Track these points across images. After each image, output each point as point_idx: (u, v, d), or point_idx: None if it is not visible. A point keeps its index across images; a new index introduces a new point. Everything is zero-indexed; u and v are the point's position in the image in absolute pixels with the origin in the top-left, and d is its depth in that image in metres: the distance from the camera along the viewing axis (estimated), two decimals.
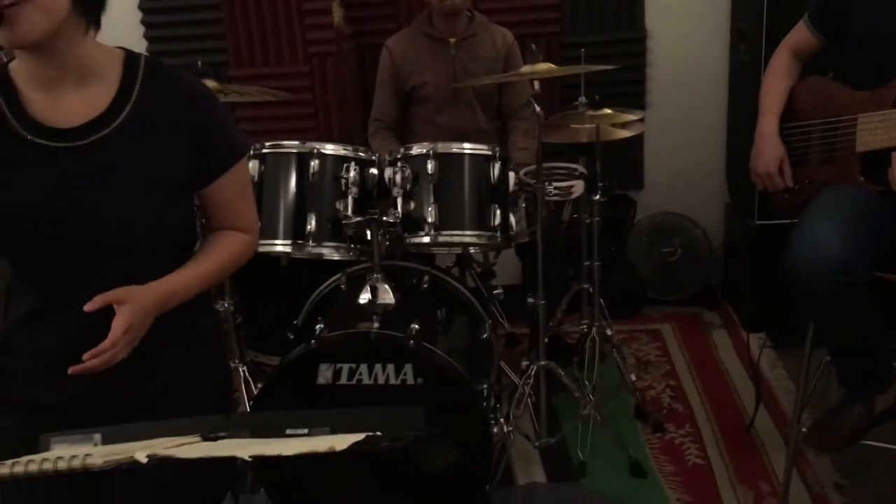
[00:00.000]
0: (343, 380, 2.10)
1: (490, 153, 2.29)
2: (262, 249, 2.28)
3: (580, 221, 2.75)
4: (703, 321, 3.46)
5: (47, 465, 0.78)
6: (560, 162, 2.65)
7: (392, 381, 2.09)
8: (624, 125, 2.52)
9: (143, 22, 3.45)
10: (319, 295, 2.48)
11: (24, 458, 0.80)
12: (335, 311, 2.33)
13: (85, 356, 1.19)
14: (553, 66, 2.31)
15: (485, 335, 2.45)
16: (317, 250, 2.26)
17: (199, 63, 2.40)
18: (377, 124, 3.13)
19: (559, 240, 2.79)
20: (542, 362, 2.48)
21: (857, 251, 1.92)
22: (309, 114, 3.39)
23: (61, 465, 0.79)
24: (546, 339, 2.74)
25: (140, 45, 3.44)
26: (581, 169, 2.52)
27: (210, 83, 2.28)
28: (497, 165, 2.29)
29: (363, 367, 2.09)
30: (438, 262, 2.83)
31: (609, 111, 2.44)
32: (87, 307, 1.20)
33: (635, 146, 3.60)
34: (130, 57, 1.32)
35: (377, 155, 2.34)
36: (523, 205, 2.45)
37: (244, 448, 0.89)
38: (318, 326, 2.17)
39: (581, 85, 2.63)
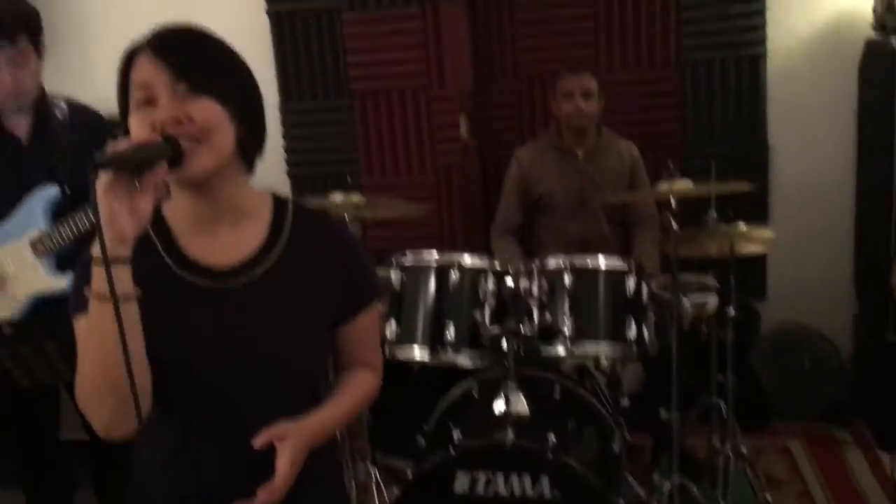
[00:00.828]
0: (480, 490, 2.12)
1: (626, 268, 2.33)
2: (400, 355, 2.38)
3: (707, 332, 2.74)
4: (835, 438, 3.33)
5: None
6: (689, 273, 2.66)
7: (529, 493, 2.11)
8: (755, 240, 2.52)
9: (284, 136, 3.69)
10: (449, 400, 2.54)
11: None
12: (469, 419, 2.37)
13: (259, 492, 1.20)
14: (689, 183, 2.36)
15: (615, 447, 2.44)
16: (453, 358, 2.32)
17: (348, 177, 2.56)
18: (500, 229, 3.24)
19: (687, 352, 2.78)
20: (677, 479, 2.43)
21: None
22: (435, 221, 3.53)
23: None
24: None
25: (279, 155, 3.68)
26: (714, 283, 2.53)
27: (356, 198, 2.44)
28: (633, 279, 2.33)
29: (500, 477, 2.11)
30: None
31: (743, 227, 2.45)
32: (257, 443, 1.22)
33: (757, 256, 3.58)
34: (279, 200, 1.37)
35: (512, 267, 2.41)
36: (653, 316, 2.48)
37: None
38: (455, 434, 2.22)
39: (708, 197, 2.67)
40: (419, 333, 2.35)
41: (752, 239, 2.51)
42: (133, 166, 1.08)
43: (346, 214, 2.52)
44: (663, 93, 3.52)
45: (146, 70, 1.20)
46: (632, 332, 2.30)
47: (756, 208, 3.54)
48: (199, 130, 1.17)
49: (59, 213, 2.24)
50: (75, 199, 2.26)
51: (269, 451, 1.24)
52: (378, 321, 1.49)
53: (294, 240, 1.33)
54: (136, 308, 1.13)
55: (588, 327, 2.31)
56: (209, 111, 1.18)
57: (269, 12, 3.56)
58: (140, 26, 3.85)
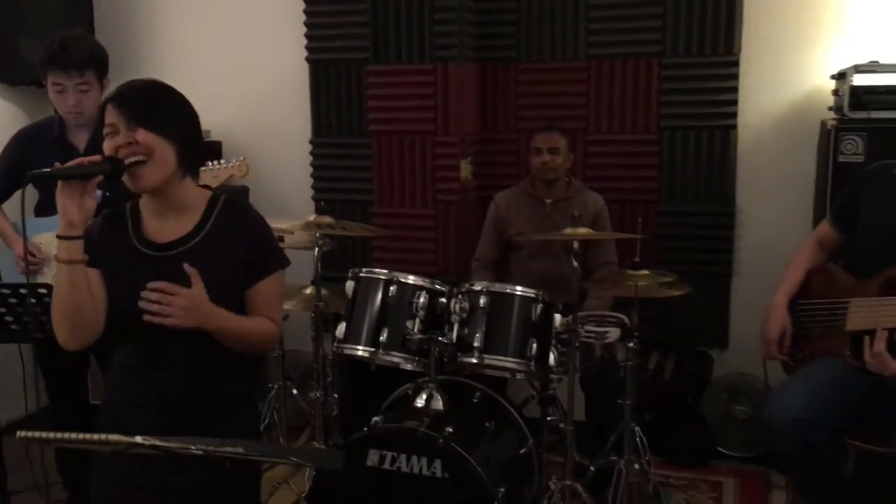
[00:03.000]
0: (387, 465, 2.59)
1: (534, 296, 2.77)
2: (347, 352, 2.88)
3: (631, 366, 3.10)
4: (769, 482, 3.59)
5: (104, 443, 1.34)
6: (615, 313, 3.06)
7: (425, 472, 2.55)
8: (665, 285, 2.91)
9: (312, 165, 4.28)
10: (393, 397, 3.02)
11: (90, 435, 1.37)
12: (395, 410, 2.85)
13: (158, 285, 1.69)
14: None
15: (523, 451, 2.86)
16: (388, 358, 2.81)
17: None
18: (478, 263, 3.70)
19: (609, 379, 3.16)
20: (567, 482, 2.82)
21: (820, 414, 2.19)
22: (430, 249, 4.03)
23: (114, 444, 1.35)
24: (592, 469, 3.11)
25: (307, 181, 4.27)
26: (621, 317, 2.92)
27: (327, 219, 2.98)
28: (539, 307, 2.76)
29: (402, 457, 2.57)
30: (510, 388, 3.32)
31: (646, 272, 2.85)
32: (187, 268, 1.71)
33: (721, 309, 3.90)
34: (214, 197, 1.91)
35: (448, 287, 2.88)
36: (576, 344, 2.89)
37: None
38: (375, 419, 2.70)
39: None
40: (363, 335, 2.85)
41: (659, 283, 2.89)
42: (72, 177, 1.66)
43: (316, 231, 3.06)
44: (645, 153, 3.92)
45: (110, 114, 1.78)
46: (532, 351, 2.73)
47: (721, 263, 3.89)
48: (144, 150, 1.73)
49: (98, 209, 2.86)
50: (115, 199, 2.88)
51: (190, 371, 1.82)
52: (279, 288, 1.95)
53: (216, 224, 1.87)
54: (83, 268, 1.71)
55: (497, 343, 2.75)
56: (148, 137, 1.75)
57: (307, 59, 4.18)
58: (202, 64, 4.75)
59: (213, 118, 4.29)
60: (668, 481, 3.53)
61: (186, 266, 1.74)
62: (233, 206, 1.93)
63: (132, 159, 1.73)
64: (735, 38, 3.71)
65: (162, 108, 1.81)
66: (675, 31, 3.79)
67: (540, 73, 4.00)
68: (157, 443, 1.36)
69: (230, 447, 1.37)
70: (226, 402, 1.92)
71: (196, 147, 1.90)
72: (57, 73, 2.80)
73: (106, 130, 1.77)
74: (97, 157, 1.72)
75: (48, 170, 1.66)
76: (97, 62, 2.87)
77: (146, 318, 1.71)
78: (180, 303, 1.70)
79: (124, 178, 1.77)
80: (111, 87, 2.86)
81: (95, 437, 1.34)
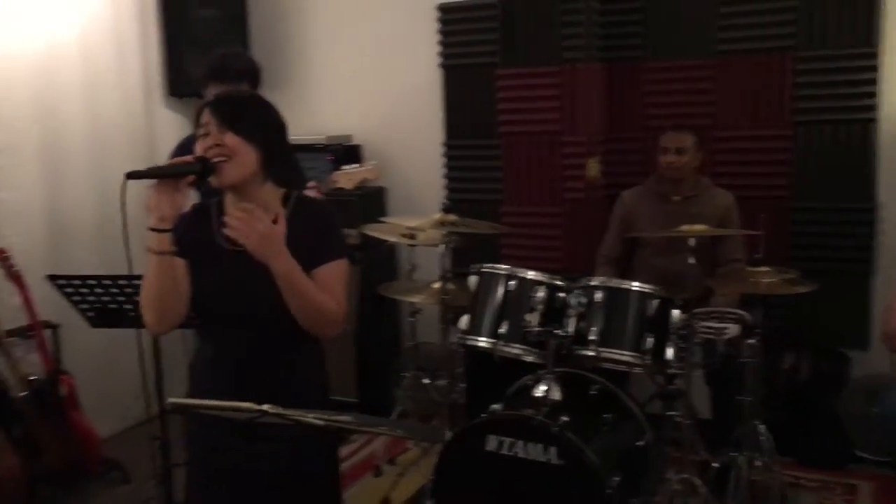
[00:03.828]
0: (504, 451, 2.72)
1: (650, 291, 2.83)
2: (469, 342, 3.03)
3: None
4: None
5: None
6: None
7: (540, 458, 2.67)
8: (790, 282, 2.88)
9: (445, 166, 4.48)
10: (515, 388, 3.16)
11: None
12: (515, 399, 2.98)
13: (245, 206, 1.84)
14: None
15: (640, 443, 2.91)
16: (507, 349, 2.94)
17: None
18: (603, 258, 3.77)
19: (734, 376, 3.15)
20: (685, 476, 2.86)
21: None
22: (557, 246, 4.13)
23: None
24: (715, 465, 3.12)
25: (440, 181, 4.48)
26: (741, 314, 2.92)
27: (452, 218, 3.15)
28: (656, 302, 2.81)
29: (520, 443, 2.70)
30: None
31: (766, 269, 2.84)
32: (244, 206, 1.85)
33: (860, 308, 3.77)
34: (287, 195, 2.01)
35: (566, 283, 2.98)
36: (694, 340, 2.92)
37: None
38: (494, 406, 2.85)
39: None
40: (484, 327, 2.99)
41: (780, 280, 2.87)
42: (161, 176, 1.84)
43: (443, 228, 3.24)
44: (776, 149, 3.84)
45: (206, 116, 1.95)
46: (647, 345, 2.78)
47: (861, 261, 3.76)
48: (229, 151, 1.89)
49: None
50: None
51: (267, 367, 1.96)
52: (342, 274, 2.02)
53: (291, 222, 1.96)
54: (171, 259, 1.86)
55: (613, 336, 2.83)
56: (234, 140, 1.90)
57: (441, 66, 4.38)
58: (345, 74, 5.09)
59: (354, 124, 4.61)
60: (800, 482, 3.47)
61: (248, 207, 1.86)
62: (303, 201, 2.08)
63: (218, 159, 1.90)
64: (874, 29, 3.59)
65: (251, 115, 1.97)
66: (810, 23, 3.70)
67: (667, 71, 4.01)
68: (281, 411, 1.55)
69: (342, 417, 1.55)
70: (294, 388, 1.99)
71: (279, 154, 2.02)
72: (216, 85, 3.11)
73: (200, 131, 1.95)
74: (190, 158, 1.90)
75: (146, 169, 1.85)
76: (251, 75, 3.17)
77: (227, 231, 1.83)
78: (260, 227, 1.81)
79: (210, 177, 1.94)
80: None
81: (229, 404, 1.56)
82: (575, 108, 4.02)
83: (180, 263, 1.91)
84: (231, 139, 1.89)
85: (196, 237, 1.96)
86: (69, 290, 2.85)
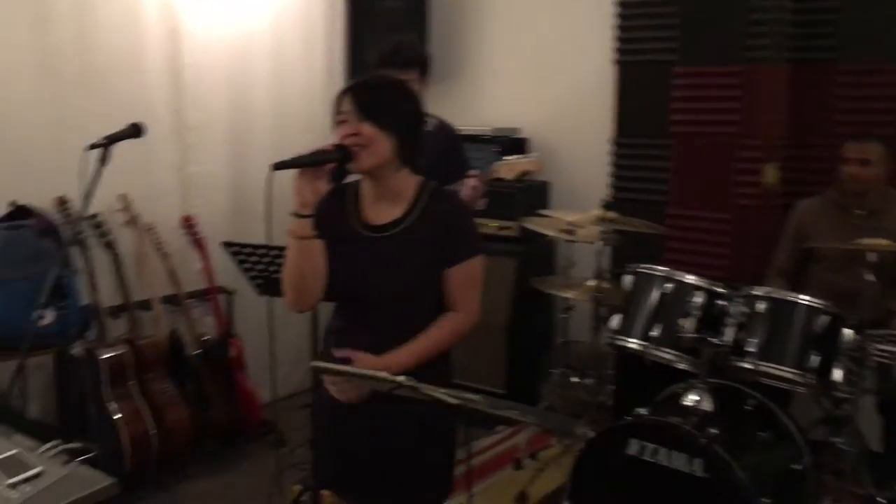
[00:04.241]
0: (646, 456, 2.65)
1: (820, 307, 2.64)
2: (618, 343, 2.97)
3: None
4: None
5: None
6: None
7: (684, 469, 2.58)
8: None
9: (611, 164, 4.40)
10: (664, 395, 3.05)
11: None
12: (663, 406, 2.88)
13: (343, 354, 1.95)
14: None
15: (797, 467, 2.74)
16: (658, 353, 2.85)
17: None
18: (773, 270, 3.56)
19: None
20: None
21: None
22: (725, 253, 3.94)
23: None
24: (882, 500, 2.88)
25: (604, 179, 4.39)
26: None
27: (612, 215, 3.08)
28: (825, 319, 2.63)
29: (663, 451, 2.61)
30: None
31: None
32: (338, 355, 1.95)
33: None
34: (423, 184, 2.04)
35: (727, 290, 2.84)
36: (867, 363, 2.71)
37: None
38: (640, 410, 2.76)
39: None
40: (636, 329, 2.92)
41: None
42: (304, 166, 1.89)
43: (602, 225, 3.18)
44: None
45: (346, 103, 1.98)
46: (812, 363, 2.60)
47: None
48: (365, 140, 1.93)
49: None
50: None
51: (389, 338, 1.99)
52: (476, 274, 2.05)
53: (424, 210, 2.03)
54: (312, 243, 1.93)
55: (774, 350, 2.67)
56: (371, 130, 1.94)
57: (616, 62, 4.30)
58: (517, 66, 5.14)
59: (523, 116, 4.62)
60: None
61: (338, 354, 1.95)
62: (439, 193, 2.09)
63: (354, 147, 1.95)
64: None
65: (389, 105, 1.98)
66: None
67: (860, 75, 3.72)
68: (416, 384, 1.59)
69: (474, 397, 1.56)
70: (419, 368, 1.98)
71: (414, 142, 2.05)
72: (389, 71, 3.21)
73: (339, 118, 1.99)
74: (329, 146, 1.95)
75: (290, 159, 1.90)
76: (420, 63, 3.24)
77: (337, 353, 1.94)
78: (355, 385, 1.91)
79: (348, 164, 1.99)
80: (439, 86, 3.24)
81: (368, 371, 1.61)
82: (755, 110, 3.82)
83: (318, 245, 1.97)
84: (368, 129, 1.93)
85: (333, 219, 2.02)
86: (241, 257, 3.05)
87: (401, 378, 1.59)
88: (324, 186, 1.92)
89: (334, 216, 2.04)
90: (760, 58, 3.78)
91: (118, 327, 3.64)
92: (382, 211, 2.05)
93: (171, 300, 3.86)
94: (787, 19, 3.83)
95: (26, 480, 1.61)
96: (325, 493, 2.33)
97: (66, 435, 1.95)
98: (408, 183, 2.06)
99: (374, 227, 2.05)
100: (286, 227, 1.94)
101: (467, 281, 2.03)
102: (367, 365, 1.89)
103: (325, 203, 2.00)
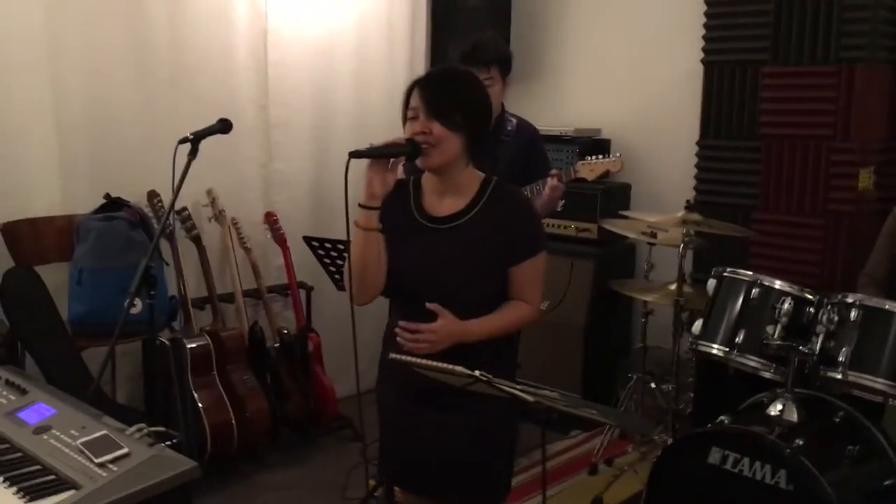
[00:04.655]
0: (728, 466, 2.56)
1: None
2: (701, 348, 2.88)
3: None
4: None
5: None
6: None
7: (767, 480, 2.49)
8: None
9: (696, 166, 4.30)
10: (748, 404, 2.95)
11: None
12: (746, 414, 2.79)
13: (408, 326, 1.95)
14: None
15: (889, 483, 2.61)
16: (742, 360, 2.75)
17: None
18: (867, 278, 3.40)
19: None
20: None
21: None
22: (815, 260, 3.80)
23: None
24: None
25: (689, 181, 4.29)
26: None
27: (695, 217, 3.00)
28: None
29: (745, 460, 2.53)
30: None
31: None
32: (429, 305, 1.93)
33: None
34: (486, 180, 2.05)
35: (817, 297, 2.73)
36: None
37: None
38: (722, 417, 2.68)
39: None
40: (719, 334, 2.83)
41: None
42: (380, 156, 1.91)
43: (684, 228, 3.10)
44: None
45: (415, 98, 1.98)
46: None
47: None
48: (434, 139, 1.93)
49: None
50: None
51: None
52: (539, 270, 2.06)
53: (487, 205, 2.03)
54: (376, 235, 1.95)
55: (866, 360, 2.55)
56: (441, 131, 1.93)
57: (703, 61, 4.19)
58: (600, 65, 5.08)
59: (604, 116, 4.56)
60: None
61: (430, 304, 1.93)
62: (502, 190, 2.08)
63: (424, 145, 1.95)
64: None
65: (458, 104, 1.96)
66: None
67: None
68: (492, 379, 1.58)
69: (551, 394, 1.54)
70: (484, 361, 1.91)
71: (482, 140, 2.04)
72: (468, 68, 3.21)
73: (410, 114, 1.99)
74: (402, 139, 1.95)
75: (364, 149, 1.92)
76: (501, 61, 3.21)
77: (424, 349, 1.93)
78: (427, 338, 1.91)
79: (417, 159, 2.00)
80: (521, 86, 3.22)
81: (443, 366, 1.61)
82: (850, 112, 3.67)
83: (380, 237, 1.98)
84: (438, 128, 1.93)
85: (394, 212, 2.02)
86: (321, 251, 3.10)
87: (476, 372, 1.58)
88: (392, 179, 1.94)
89: (396, 209, 2.05)
90: (857, 58, 3.63)
91: (202, 319, 3.75)
92: (445, 204, 2.06)
93: (253, 294, 3.95)
94: (885, 17, 3.67)
95: (114, 460, 1.66)
96: (398, 489, 2.35)
97: (151, 420, 2.01)
98: (472, 178, 2.07)
99: (437, 218, 2.05)
100: (353, 219, 1.96)
101: (532, 277, 2.05)
102: (448, 325, 1.92)
103: (388, 196, 2.00)
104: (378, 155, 1.91)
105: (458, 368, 1.59)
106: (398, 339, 1.97)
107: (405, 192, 2.10)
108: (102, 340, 3.26)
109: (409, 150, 1.93)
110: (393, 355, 1.73)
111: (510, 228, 2.01)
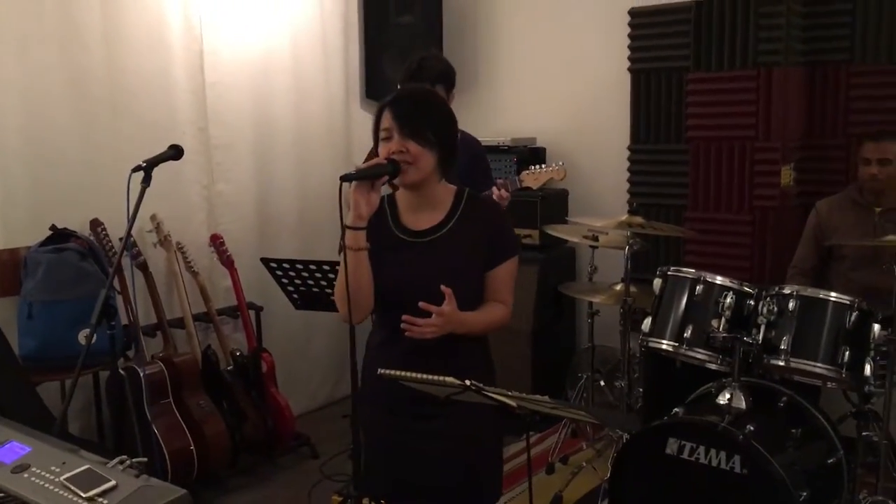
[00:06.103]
0: (685, 455, 2.71)
1: (848, 303, 2.71)
2: (651, 345, 3.03)
3: None
4: None
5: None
6: None
7: (723, 466, 2.64)
8: None
9: (629, 170, 4.47)
10: (697, 395, 3.11)
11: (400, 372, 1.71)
12: (698, 405, 2.94)
13: (413, 320, 1.98)
14: None
15: (831, 461, 2.80)
16: (691, 354, 2.91)
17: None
18: (795, 270, 3.63)
19: None
20: (879, 498, 2.71)
21: None
22: (745, 255, 4.01)
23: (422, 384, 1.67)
24: None
25: (623, 186, 4.46)
26: None
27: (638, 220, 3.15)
28: (854, 315, 2.69)
29: (701, 448, 2.68)
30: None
31: None
32: (422, 305, 1.96)
33: None
34: (459, 192, 2.13)
35: (756, 290, 2.91)
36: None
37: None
38: (676, 409, 2.82)
39: None
40: (667, 330, 2.98)
41: None
42: (368, 177, 1.97)
43: (627, 230, 3.24)
44: None
45: (387, 119, 2.04)
46: (845, 359, 2.67)
47: None
48: (412, 157, 2.00)
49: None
50: None
51: (437, 346, 2.02)
52: (513, 272, 2.15)
53: (464, 216, 2.11)
54: (365, 254, 2.00)
55: (806, 347, 2.73)
56: (415, 149, 2.00)
57: (630, 69, 4.38)
58: (532, 76, 5.20)
59: (539, 126, 4.69)
60: None
61: (423, 304, 1.98)
62: (475, 199, 2.18)
63: (403, 164, 2.01)
64: None
65: (430, 121, 2.03)
66: None
67: (875, 75, 3.81)
68: (482, 387, 1.65)
69: (538, 397, 1.62)
70: (463, 372, 1.91)
71: (452, 154, 2.11)
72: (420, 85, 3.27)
73: (382, 135, 2.04)
74: (383, 160, 2.01)
75: (353, 172, 1.97)
76: (446, 78, 3.29)
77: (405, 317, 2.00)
78: (435, 321, 1.98)
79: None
80: (456, 98, 3.31)
81: (433, 378, 1.67)
82: (770, 113, 3.89)
83: (366, 256, 2.03)
84: (413, 146, 2.00)
85: (374, 231, 2.06)
86: (279, 272, 3.11)
87: (466, 382, 1.65)
88: (376, 199, 1.99)
89: (375, 227, 2.08)
90: (773, 62, 3.85)
91: (153, 346, 3.71)
92: (423, 219, 2.12)
93: (203, 318, 3.93)
94: (799, 23, 3.91)
95: (103, 493, 1.65)
96: (366, 500, 2.38)
97: (105, 452, 2.01)
98: (446, 192, 2.14)
99: (417, 232, 2.12)
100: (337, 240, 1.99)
101: (507, 279, 2.14)
102: (452, 310, 1.98)
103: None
104: (365, 176, 1.96)
105: (448, 379, 1.65)
106: (406, 333, 2.00)
107: (381, 210, 2.13)
108: (55, 375, 3.21)
109: (390, 169, 1.99)
110: (381, 371, 1.78)
111: (488, 235, 2.10)
